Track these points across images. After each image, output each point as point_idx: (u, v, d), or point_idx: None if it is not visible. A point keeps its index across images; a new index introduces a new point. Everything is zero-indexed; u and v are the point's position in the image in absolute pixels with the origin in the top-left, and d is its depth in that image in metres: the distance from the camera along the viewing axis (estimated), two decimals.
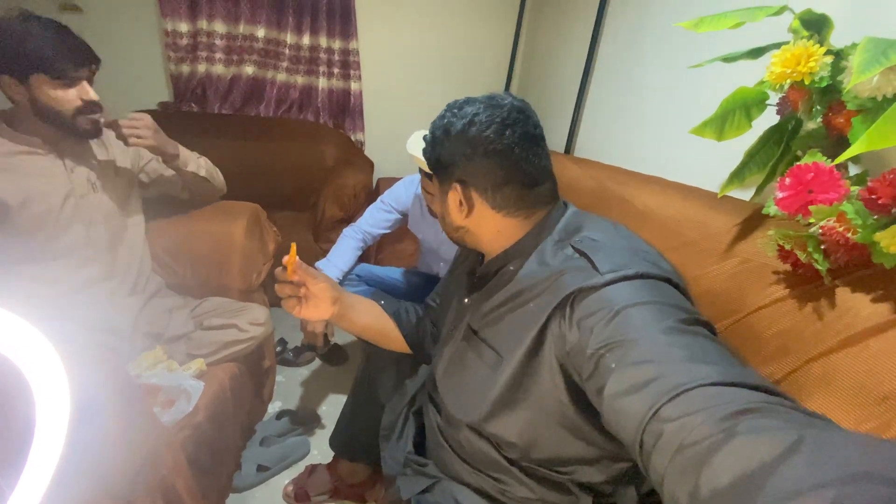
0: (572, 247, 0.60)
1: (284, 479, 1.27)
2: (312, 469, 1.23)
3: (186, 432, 0.94)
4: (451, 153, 0.65)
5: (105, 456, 0.68)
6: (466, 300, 0.75)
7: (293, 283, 0.72)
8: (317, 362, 1.79)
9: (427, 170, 0.77)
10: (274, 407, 1.51)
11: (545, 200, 0.67)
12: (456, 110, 0.65)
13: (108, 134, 1.11)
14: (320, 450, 1.37)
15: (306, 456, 1.36)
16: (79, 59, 0.94)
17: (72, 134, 1.00)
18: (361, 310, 0.86)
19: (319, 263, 1.39)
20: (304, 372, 1.73)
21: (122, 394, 0.84)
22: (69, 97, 0.95)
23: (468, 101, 0.66)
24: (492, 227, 0.67)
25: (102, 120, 1.05)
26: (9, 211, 0.94)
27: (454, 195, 0.67)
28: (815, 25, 0.70)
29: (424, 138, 0.70)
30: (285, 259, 0.71)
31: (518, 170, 0.63)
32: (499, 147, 0.62)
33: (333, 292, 0.76)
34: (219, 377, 1.10)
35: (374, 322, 0.89)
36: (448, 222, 0.71)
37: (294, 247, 0.71)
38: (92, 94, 0.99)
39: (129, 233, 1.17)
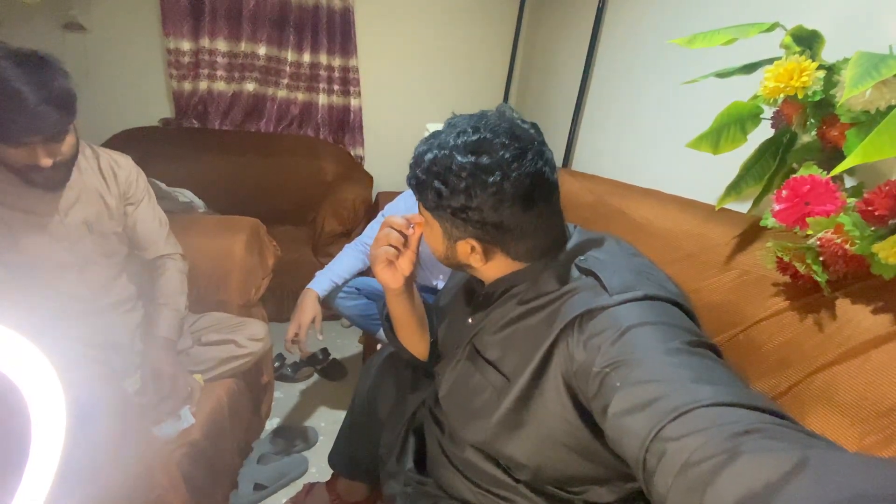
0: (579, 267, 0.60)
1: (282, 497, 1.24)
2: (310, 488, 1.21)
3: (183, 450, 0.93)
4: (479, 205, 0.56)
5: (100, 474, 0.67)
6: (470, 320, 0.73)
7: (403, 236, 0.68)
8: (315, 378, 1.77)
9: None
10: (272, 423, 1.49)
11: (560, 237, 0.65)
12: (478, 156, 0.55)
13: (108, 172, 1.07)
14: (319, 467, 1.35)
15: (304, 474, 1.33)
16: (28, 128, 0.82)
17: (25, 182, 0.91)
18: (416, 296, 0.83)
19: (319, 273, 1.39)
20: (302, 387, 1.71)
21: (118, 411, 0.83)
22: (15, 156, 0.86)
23: (483, 141, 0.55)
24: (503, 271, 0.65)
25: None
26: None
27: (465, 244, 0.62)
28: (807, 41, 0.72)
29: (416, 177, 0.60)
30: (417, 216, 0.67)
31: (543, 217, 0.60)
32: (533, 198, 0.57)
33: (414, 269, 0.73)
34: (216, 393, 1.09)
35: (420, 310, 0.84)
36: (442, 258, 0.67)
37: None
38: (41, 161, 0.86)
39: (128, 261, 1.14)
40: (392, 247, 0.69)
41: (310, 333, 1.28)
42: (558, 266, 0.62)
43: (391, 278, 0.72)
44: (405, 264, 0.71)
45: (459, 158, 0.55)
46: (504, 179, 0.54)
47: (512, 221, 0.57)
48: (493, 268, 0.65)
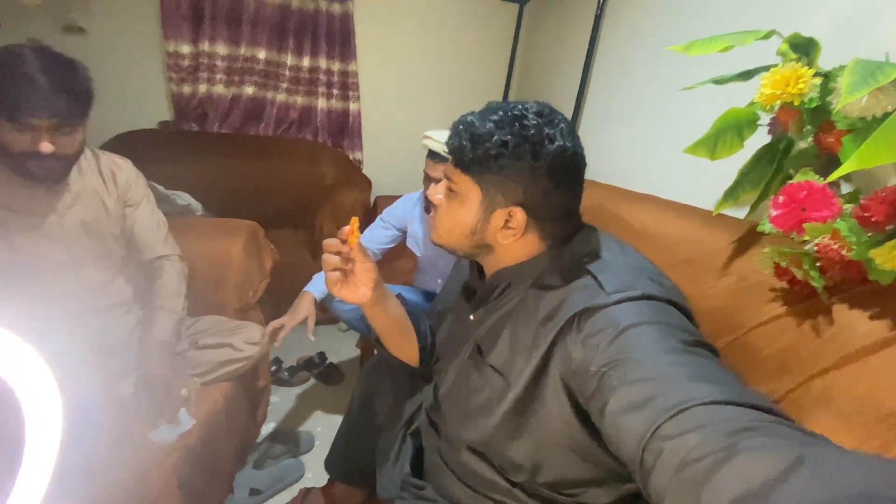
0: (581, 264, 0.60)
1: (278, 502, 1.24)
2: (307, 492, 1.20)
3: (178, 453, 0.92)
4: (539, 166, 0.58)
5: (95, 477, 0.67)
6: (472, 317, 0.73)
7: (342, 255, 0.67)
8: (312, 382, 1.77)
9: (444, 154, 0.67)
10: (268, 428, 1.48)
11: (578, 227, 0.67)
12: (544, 122, 0.58)
13: (107, 174, 1.06)
14: (315, 472, 1.34)
15: (300, 479, 1.32)
16: (37, 108, 0.84)
17: (21, 174, 0.90)
18: (392, 304, 0.81)
19: (316, 276, 1.39)
20: (298, 392, 1.70)
21: (114, 414, 0.83)
22: (19, 140, 0.86)
23: (544, 113, 0.60)
24: (523, 252, 0.65)
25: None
26: None
27: (501, 215, 0.61)
28: (803, 48, 0.72)
29: (473, 134, 0.59)
30: (345, 230, 0.66)
31: (577, 201, 0.64)
32: (578, 177, 0.62)
33: (375, 275, 0.71)
34: (213, 397, 1.08)
35: (401, 318, 0.83)
36: (466, 233, 0.64)
37: (356, 220, 0.67)
38: (44, 147, 0.86)
39: (125, 262, 1.13)
40: (337, 270, 0.67)
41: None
42: (562, 261, 0.63)
43: (355, 295, 0.70)
44: (362, 277, 0.69)
45: (531, 116, 0.58)
46: (565, 147, 0.58)
47: (559, 192, 0.60)
48: (516, 248, 0.64)
